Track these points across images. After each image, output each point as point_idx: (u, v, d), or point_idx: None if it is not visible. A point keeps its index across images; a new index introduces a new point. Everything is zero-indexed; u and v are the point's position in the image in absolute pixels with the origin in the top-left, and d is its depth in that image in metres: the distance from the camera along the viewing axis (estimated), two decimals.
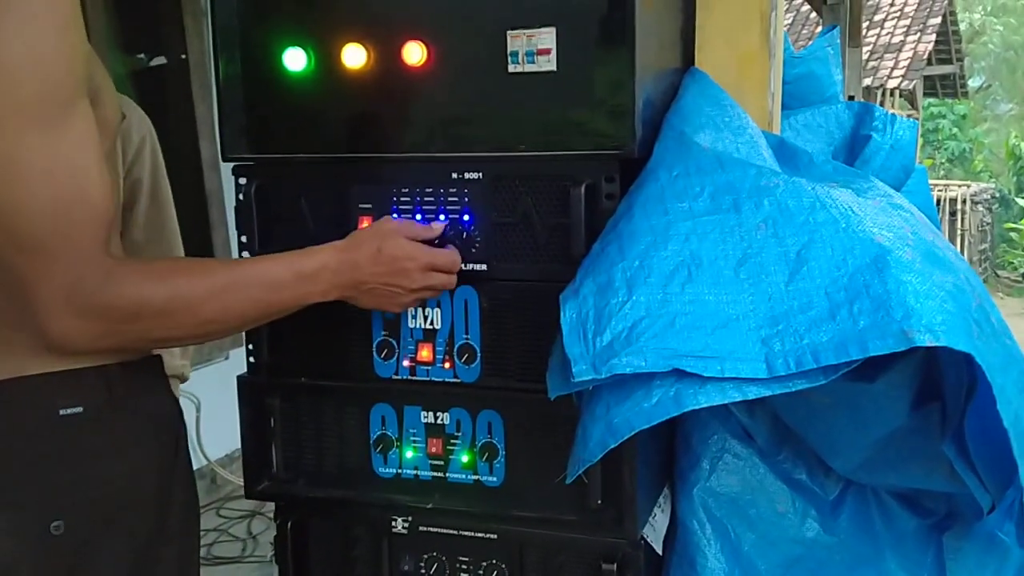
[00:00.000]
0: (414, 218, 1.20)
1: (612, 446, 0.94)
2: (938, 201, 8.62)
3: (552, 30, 1.12)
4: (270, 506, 3.63)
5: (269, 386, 1.28)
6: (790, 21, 12.43)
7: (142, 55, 3.95)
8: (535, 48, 1.12)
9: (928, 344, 0.91)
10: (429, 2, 1.16)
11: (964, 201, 8.51)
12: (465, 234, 1.19)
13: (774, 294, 0.99)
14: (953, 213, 8.51)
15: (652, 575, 1.26)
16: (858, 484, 1.34)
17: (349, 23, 1.19)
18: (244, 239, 1.26)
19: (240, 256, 1.26)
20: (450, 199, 1.19)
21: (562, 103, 1.14)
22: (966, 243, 8.43)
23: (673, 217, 1.04)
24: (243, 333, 1.27)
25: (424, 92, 1.18)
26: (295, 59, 1.20)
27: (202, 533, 1.30)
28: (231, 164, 1.27)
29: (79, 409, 1.04)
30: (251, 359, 1.29)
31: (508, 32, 1.13)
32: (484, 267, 1.19)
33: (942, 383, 1.11)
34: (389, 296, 1.13)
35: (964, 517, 1.29)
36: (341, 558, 1.31)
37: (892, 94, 11.49)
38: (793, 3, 12.12)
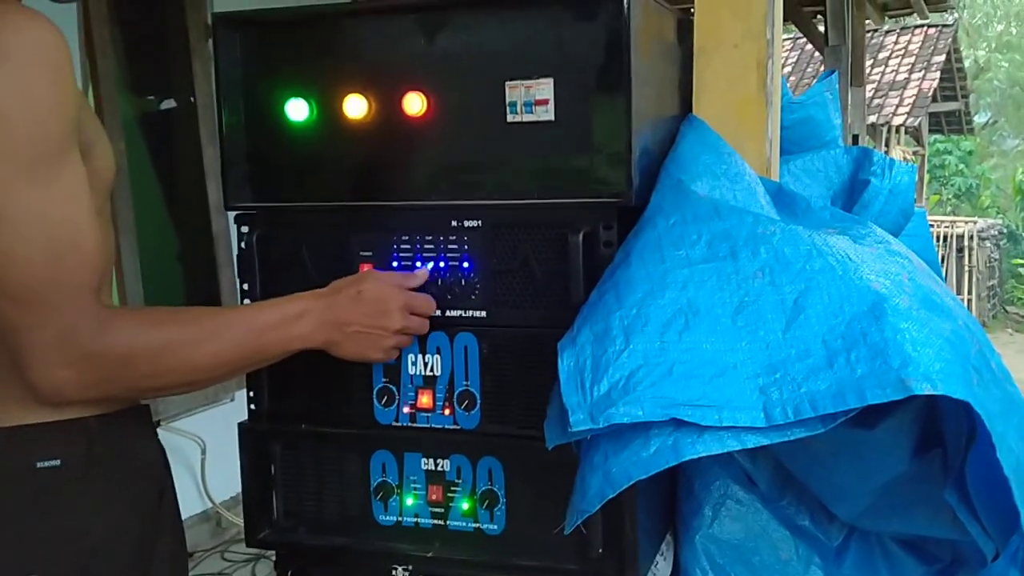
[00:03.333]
0: (414, 265, 1.21)
1: (610, 496, 0.93)
2: (945, 237, 8.62)
3: (550, 81, 1.13)
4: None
5: (270, 433, 1.29)
6: (795, 59, 12.53)
7: (151, 97, 4.01)
8: (533, 98, 1.14)
9: (926, 392, 0.91)
10: (429, 54, 1.18)
11: (971, 237, 8.51)
12: (464, 281, 1.20)
13: (771, 342, 0.99)
14: (960, 249, 8.50)
15: None
16: (862, 530, 1.33)
17: (350, 74, 1.20)
18: (246, 287, 1.27)
19: (242, 302, 1.27)
20: (450, 246, 1.20)
21: (560, 152, 1.15)
22: (974, 279, 8.41)
23: (670, 265, 1.04)
24: (244, 377, 1.27)
25: (424, 142, 1.19)
26: (297, 109, 1.22)
27: None
28: (233, 212, 1.28)
29: (56, 462, 1.04)
30: (252, 406, 1.30)
31: (507, 83, 1.14)
32: (484, 314, 1.20)
33: (943, 430, 1.10)
34: (371, 338, 1.14)
35: (969, 564, 1.28)
36: None
37: (897, 131, 11.54)
38: (798, 42, 12.23)
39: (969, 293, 8.49)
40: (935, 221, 8.94)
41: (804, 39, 8.52)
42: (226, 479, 3.34)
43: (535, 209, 1.16)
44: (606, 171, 1.14)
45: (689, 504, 1.30)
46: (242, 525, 3.63)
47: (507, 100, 1.15)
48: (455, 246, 1.20)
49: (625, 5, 1.09)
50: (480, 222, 1.18)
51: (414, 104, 1.18)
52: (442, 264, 1.20)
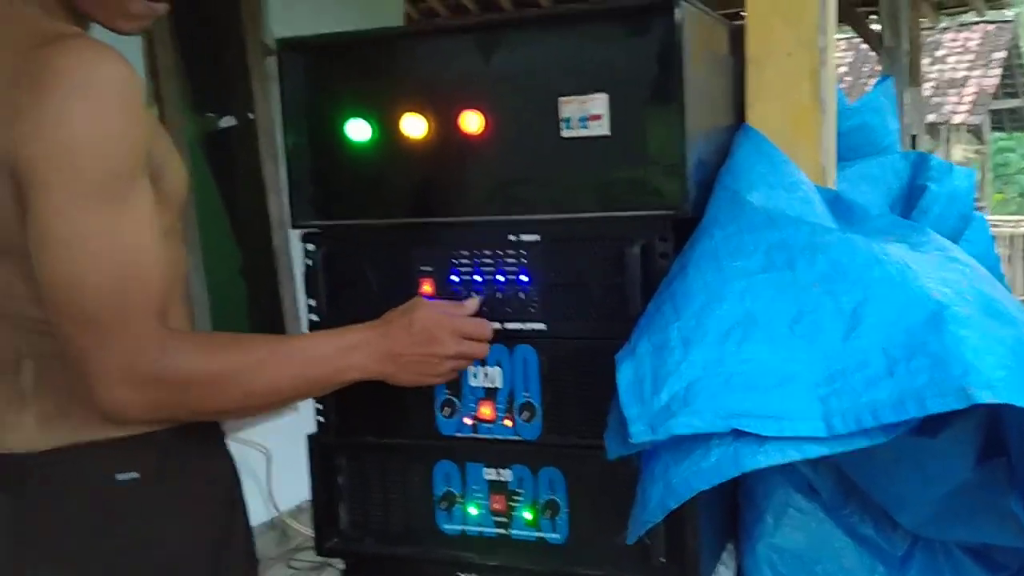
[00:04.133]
0: (473, 279, 1.23)
1: (672, 507, 0.95)
2: (1010, 238, 8.42)
3: (604, 96, 1.15)
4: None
5: (337, 445, 1.32)
6: (851, 59, 12.35)
7: (212, 115, 4.11)
8: (587, 114, 1.16)
9: (988, 401, 0.91)
10: (484, 72, 1.21)
11: None
12: (523, 294, 1.22)
13: (830, 352, 0.99)
14: None
15: None
16: (927, 539, 1.32)
17: (408, 95, 1.23)
18: (313, 303, 1.30)
19: (309, 318, 1.31)
20: (508, 260, 1.22)
21: (615, 165, 1.17)
22: None
23: (727, 275, 1.05)
24: None
25: (481, 158, 1.22)
26: (358, 130, 1.26)
27: None
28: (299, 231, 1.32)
29: (135, 475, 1.08)
30: (319, 419, 1.33)
31: (560, 99, 1.16)
32: (543, 326, 1.22)
33: (1007, 437, 1.09)
34: (425, 366, 1.16)
35: None
36: None
37: (958, 129, 11.30)
38: (853, 41, 12.05)
39: None
40: (999, 221, 8.74)
41: (860, 39, 8.40)
42: (291, 488, 3.40)
43: (591, 222, 1.18)
44: (661, 183, 1.15)
45: (751, 513, 1.30)
46: (307, 533, 3.67)
47: (561, 116, 1.17)
48: (513, 260, 1.22)
49: (677, 19, 1.11)
50: (538, 236, 1.21)
51: (471, 122, 1.20)
52: (501, 278, 1.22)
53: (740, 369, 0.98)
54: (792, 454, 0.94)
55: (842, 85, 12.38)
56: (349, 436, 1.32)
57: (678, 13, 1.11)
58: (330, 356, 1.13)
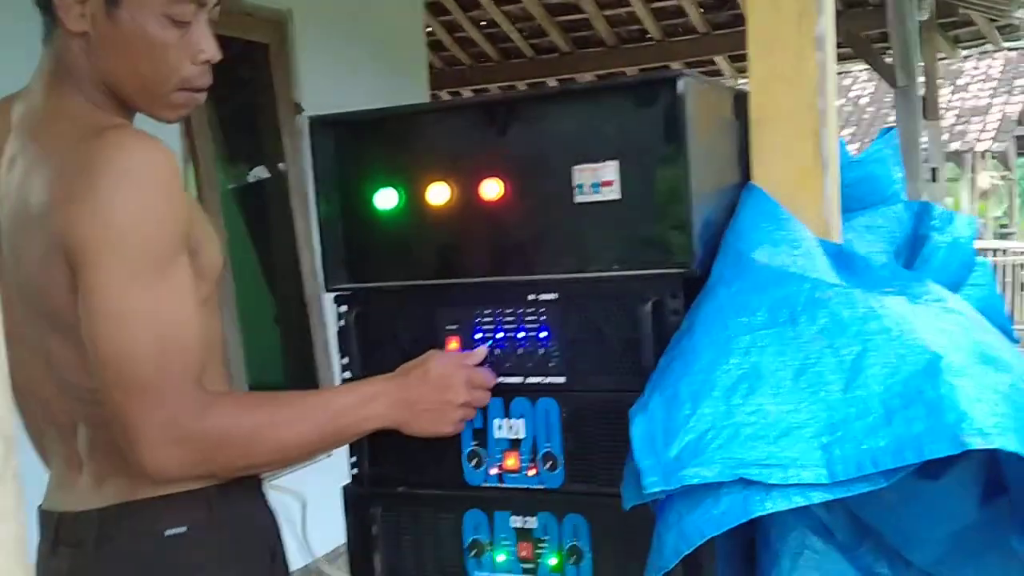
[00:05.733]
0: (495, 336, 1.31)
1: (686, 552, 1.01)
2: None
3: (615, 163, 1.23)
4: None
5: (371, 495, 1.39)
6: (872, 89, 12.39)
7: (245, 169, 4.25)
8: (600, 180, 1.24)
9: (980, 447, 0.97)
10: (504, 144, 1.29)
11: None
12: (543, 350, 1.29)
13: (832, 402, 1.06)
14: None
15: None
16: None
17: (432, 165, 1.32)
18: (346, 361, 1.38)
19: (343, 376, 1.39)
20: (528, 318, 1.30)
21: (627, 228, 1.24)
22: None
23: (733, 332, 1.12)
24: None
25: (501, 223, 1.30)
26: (386, 198, 1.34)
27: None
28: (333, 294, 1.40)
29: (183, 529, 1.16)
30: (354, 470, 1.41)
31: (574, 168, 1.24)
32: (563, 379, 1.29)
33: (1006, 478, 1.14)
34: (439, 413, 1.24)
35: None
36: None
37: (983, 157, 11.29)
38: (874, 72, 12.09)
39: None
40: None
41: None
42: (326, 532, 3.47)
43: (606, 281, 1.26)
44: (671, 243, 1.22)
45: (767, 555, 1.35)
46: None
47: (575, 182, 1.25)
48: (533, 317, 1.30)
49: (680, 91, 1.19)
50: (556, 295, 1.28)
51: (491, 190, 1.29)
52: (522, 335, 1.30)
53: (747, 421, 1.05)
54: (797, 500, 1.00)
55: (864, 116, 12.42)
56: (382, 486, 1.39)
57: (681, 85, 1.19)
58: (351, 406, 1.22)
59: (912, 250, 1.51)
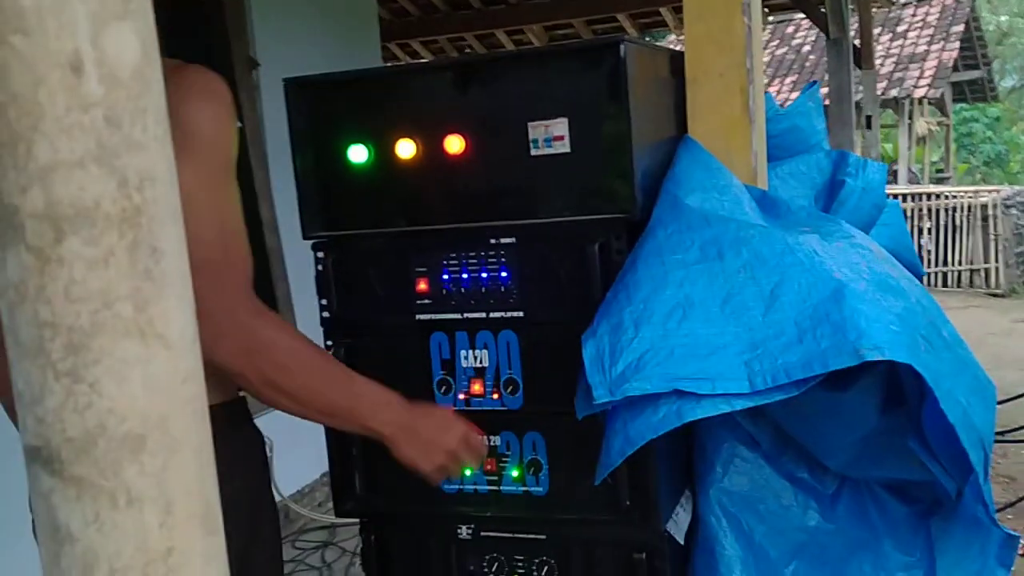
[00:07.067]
0: (461, 276, 1.46)
1: (629, 453, 1.18)
2: (968, 208, 8.70)
3: (565, 119, 1.38)
4: (342, 536, 3.89)
5: None
6: (814, 38, 12.61)
7: None
8: (552, 135, 1.39)
9: (876, 359, 1.15)
10: (465, 103, 1.43)
11: (995, 206, 8.59)
12: (504, 287, 1.45)
13: (753, 325, 1.23)
14: (985, 219, 8.59)
15: (677, 562, 1.49)
16: (853, 479, 1.56)
17: (400, 123, 1.46)
18: (325, 302, 1.53)
19: (322, 316, 1.53)
20: (490, 260, 1.45)
21: (576, 178, 1.40)
22: (999, 248, 8.49)
23: (669, 267, 1.29)
24: None
25: (464, 175, 1.45)
26: (358, 153, 1.48)
27: None
28: (310, 241, 1.54)
29: None
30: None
31: (529, 123, 1.39)
32: (521, 314, 1.45)
33: (905, 390, 1.34)
34: (428, 449, 1.31)
35: (944, 503, 1.51)
36: (416, 562, 1.56)
37: (920, 103, 11.60)
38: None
39: (996, 262, 8.56)
40: (958, 192, 9.02)
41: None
42: (293, 474, 3.62)
43: (558, 226, 1.41)
44: (615, 192, 1.38)
45: (703, 463, 1.54)
46: (309, 516, 3.88)
47: (530, 137, 1.40)
48: (494, 259, 1.45)
49: (621, 54, 1.34)
50: (514, 239, 1.43)
51: (454, 144, 1.43)
52: (484, 274, 1.45)
53: (681, 343, 1.22)
54: (723, 407, 1.18)
55: (806, 64, 12.63)
56: None
57: (622, 49, 1.34)
58: (371, 397, 1.28)
59: (830, 194, 1.69)
